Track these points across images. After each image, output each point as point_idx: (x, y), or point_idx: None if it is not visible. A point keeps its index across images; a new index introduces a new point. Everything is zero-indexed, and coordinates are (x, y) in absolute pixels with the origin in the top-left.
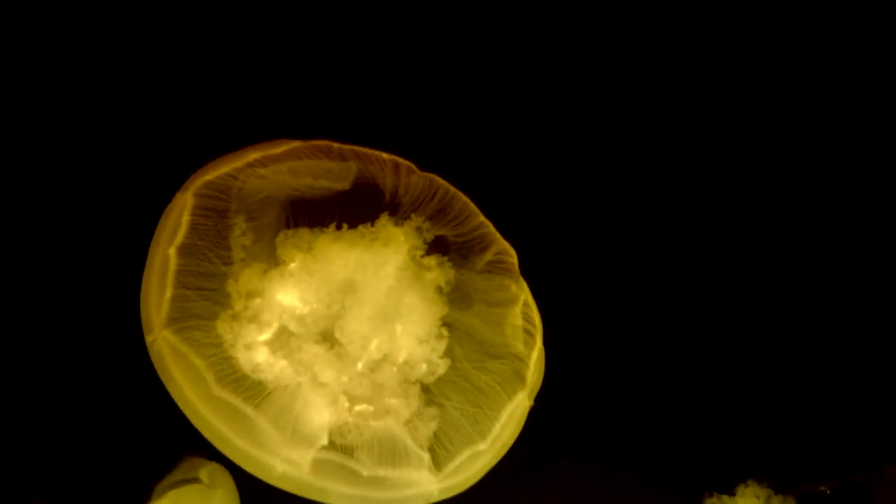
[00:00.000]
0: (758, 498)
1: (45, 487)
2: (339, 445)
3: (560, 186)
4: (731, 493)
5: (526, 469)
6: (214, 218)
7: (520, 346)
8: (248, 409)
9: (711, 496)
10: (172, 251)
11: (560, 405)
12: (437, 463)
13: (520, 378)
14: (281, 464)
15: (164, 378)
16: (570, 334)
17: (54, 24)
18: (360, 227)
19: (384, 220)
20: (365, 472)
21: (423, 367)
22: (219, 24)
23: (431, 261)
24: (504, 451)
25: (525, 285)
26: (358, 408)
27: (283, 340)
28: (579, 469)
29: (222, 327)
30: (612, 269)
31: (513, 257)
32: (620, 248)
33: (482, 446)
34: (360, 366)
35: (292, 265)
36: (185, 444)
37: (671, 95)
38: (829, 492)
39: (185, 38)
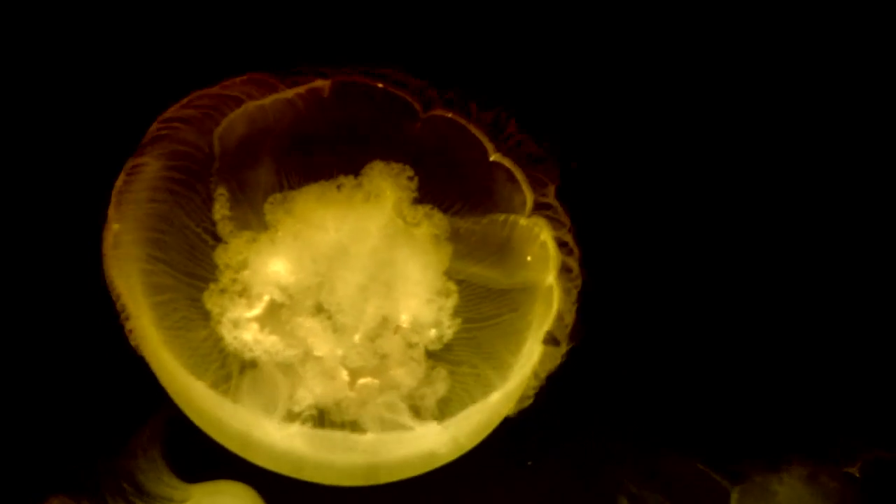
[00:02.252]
0: (801, 477)
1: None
2: (339, 419)
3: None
4: (776, 470)
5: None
6: (188, 183)
7: (534, 286)
8: (235, 391)
9: (755, 475)
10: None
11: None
12: (445, 420)
13: (534, 319)
14: (278, 441)
15: (150, 362)
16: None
17: None
18: (347, 182)
19: (373, 170)
20: (365, 441)
21: (432, 331)
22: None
23: (418, 213)
24: (515, 400)
25: (543, 222)
26: (359, 380)
27: (273, 314)
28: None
29: (210, 303)
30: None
31: (529, 195)
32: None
33: (494, 396)
34: (357, 337)
35: (279, 232)
36: (176, 432)
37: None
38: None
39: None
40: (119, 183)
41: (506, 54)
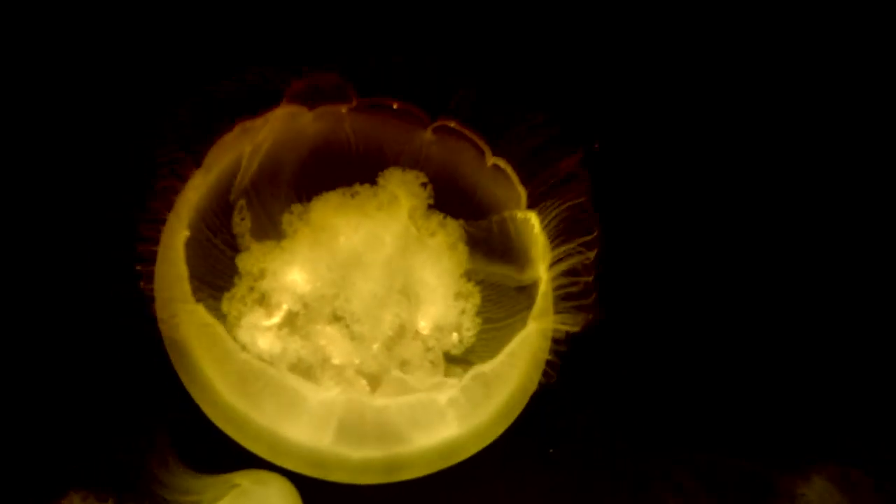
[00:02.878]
0: (830, 478)
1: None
2: (358, 422)
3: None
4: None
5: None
6: (217, 203)
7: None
8: (274, 371)
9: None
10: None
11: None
12: (464, 415)
13: (547, 314)
14: (300, 444)
15: (179, 364)
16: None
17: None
18: (363, 190)
19: (389, 178)
20: (386, 439)
21: (453, 335)
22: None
23: (433, 220)
24: (523, 387)
25: (537, 217)
26: (379, 385)
27: (291, 322)
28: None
29: (228, 310)
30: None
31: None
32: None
33: (511, 392)
34: (375, 344)
35: (296, 242)
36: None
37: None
38: None
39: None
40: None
41: (509, 52)
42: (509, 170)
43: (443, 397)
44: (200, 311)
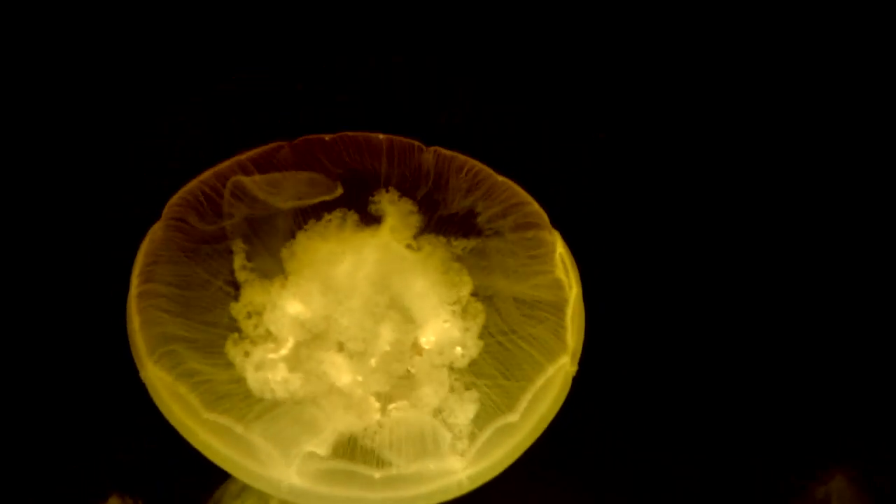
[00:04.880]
0: (848, 480)
1: None
2: (361, 452)
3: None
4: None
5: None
6: (201, 242)
7: (557, 303)
8: (241, 429)
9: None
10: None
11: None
12: (465, 448)
13: (559, 340)
14: (287, 478)
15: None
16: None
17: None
18: (352, 219)
19: (379, 202)
20: (378, 475)
21: (457, 349)
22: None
23: (425, 242)
24: (542, 427)
25: (558, 235)
26: (388, 406)
27: (292, 353)
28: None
29: (229, 350)
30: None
31: (540, 212)
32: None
33: (512, 419)
34: (377, 364)
35: (291, 274)
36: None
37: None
38: None
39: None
40: (140, 256)
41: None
42: (515, 186)
43: (451, 424)
44: (161, 371)
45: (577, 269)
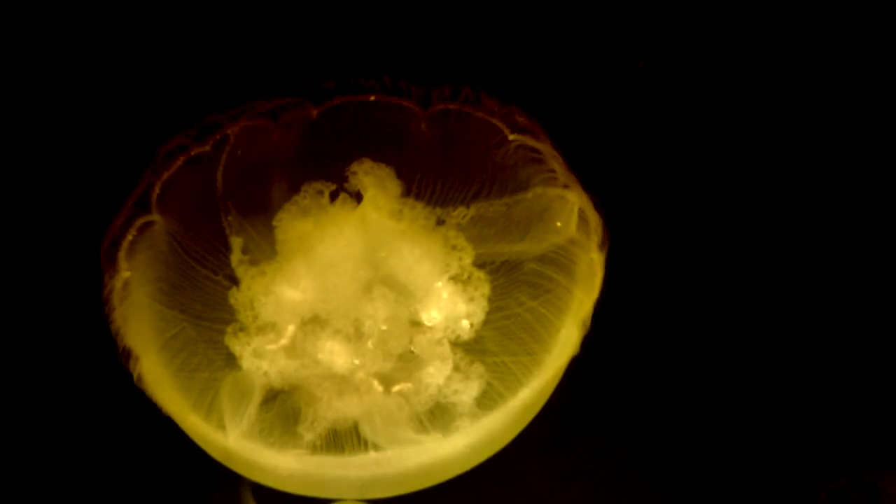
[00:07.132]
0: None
1: None
2: (362, 434)
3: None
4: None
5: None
6: (197, 231)
7: (572, 263)
8: (239, 419)
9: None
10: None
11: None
12: (479, 417)
13: (571, 301)
14: (286, 464)
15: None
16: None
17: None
18: (325, 189)
19: (358, 174)
20: (376, 455)
21: (463, 322)
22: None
23: (417, 209)
24: (546, 395)
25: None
26: (393, 387)
27: (291, 340)
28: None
29: (228, 342)
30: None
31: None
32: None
33: (515, 394)
34: (376, 345)
35: (283, 260)
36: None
37: None
38: None
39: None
40: (127, 239)
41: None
42: (540, 145)
43: (456, 402)
44: (157, 364)
45: (598, 232)
